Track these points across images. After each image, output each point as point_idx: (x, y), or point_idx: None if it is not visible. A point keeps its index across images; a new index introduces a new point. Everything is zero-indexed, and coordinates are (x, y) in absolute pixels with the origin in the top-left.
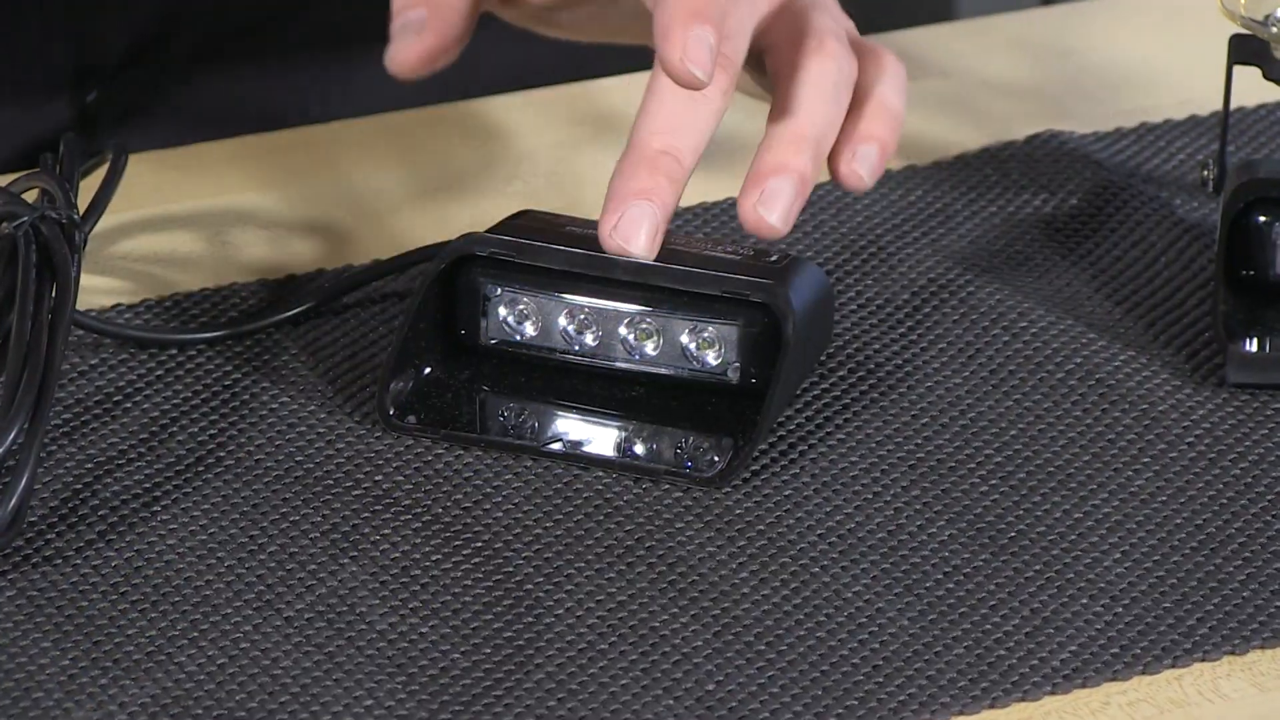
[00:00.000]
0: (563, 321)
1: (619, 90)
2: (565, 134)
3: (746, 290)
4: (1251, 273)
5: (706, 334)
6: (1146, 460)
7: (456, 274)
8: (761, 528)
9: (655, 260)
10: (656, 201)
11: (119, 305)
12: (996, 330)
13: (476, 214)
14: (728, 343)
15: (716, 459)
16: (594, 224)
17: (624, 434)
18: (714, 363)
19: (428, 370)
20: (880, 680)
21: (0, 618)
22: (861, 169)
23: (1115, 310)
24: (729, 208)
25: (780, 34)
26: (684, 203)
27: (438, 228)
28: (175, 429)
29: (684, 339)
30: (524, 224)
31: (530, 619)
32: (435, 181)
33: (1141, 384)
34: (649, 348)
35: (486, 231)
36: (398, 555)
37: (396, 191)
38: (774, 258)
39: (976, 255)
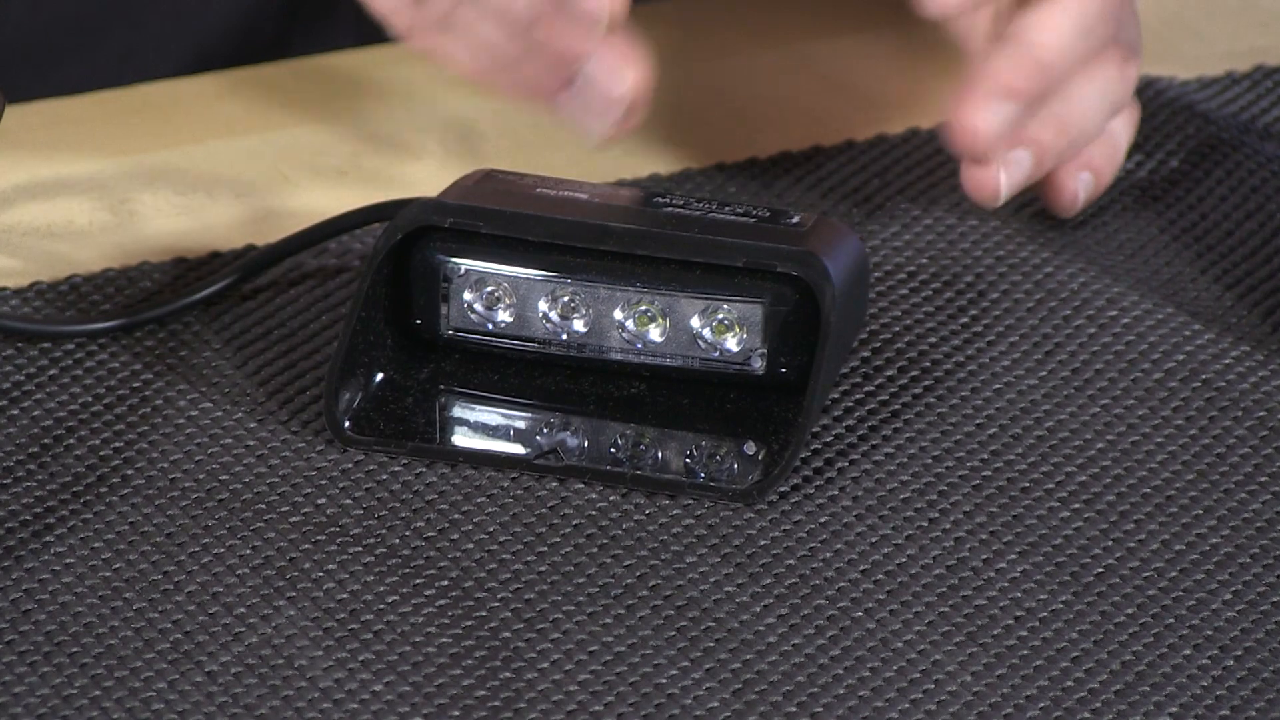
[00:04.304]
0: (544, 305)
1: None
2: None
3: (773, 259)
4: None
5: (724, 315)
6: (1264, 479)
7: (409, 251)
8: (791, 562)
9: (656, 227)
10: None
11: (3, 290)
12: (1079, 320)
13: (436, 178)
14: (750, 325)
15: (744, 468)
16: (571, 184)
17: (626, 441)
18: (734, 350)
19: (379, 370)
20: None
21: None
22: (1080, 188)
23: (1225, 296)
24: (747, 166)
25: None
26: (697, 164)
27: (390, 194)
28: (72, 440)
29: (695, 322)
30: (485, 187)
31: (508, 674)
32: (388, 138)
33: (1257, 386)
34: (653, 334)
35: (440, 197)
36: (345, 596)
37: (341, 149)
38: (796, 219)
39: (1054, 228)
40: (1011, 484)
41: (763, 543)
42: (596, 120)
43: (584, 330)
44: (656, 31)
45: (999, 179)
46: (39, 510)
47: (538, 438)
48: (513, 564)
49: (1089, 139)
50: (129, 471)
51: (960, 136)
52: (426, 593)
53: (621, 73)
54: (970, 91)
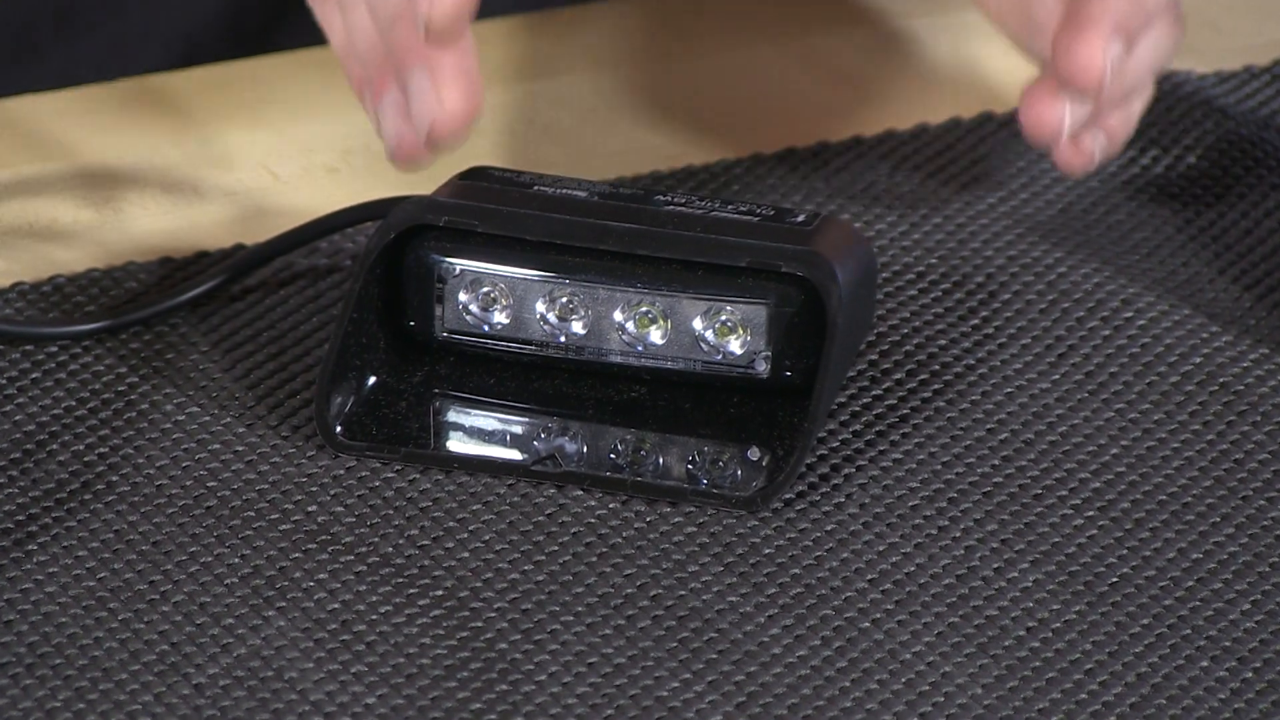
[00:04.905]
0: (541, 307)
1: (611, 17)
2: (540, 74)
3: (778, 259)
4: None
5: (727, 316)
6: None
7: (402, 251)
8: (797, 571)
9: (657, 226)
10: None
11: None
12: (1094, 322)
13: (430, 175)
14: (754, 327)
15: (748, 474)
16: (569, 182)
17: (626, 447)
18: (738, 353)
19: (371, 374)
20: None
21: None
22: (1096, 149)
23: (1244, 296)
24: (751, 163)
25: None
26: (699, 160)
27: (383, 192)
28: (55, 445)
29: (698, 324)
30: (480, 185)
31: (505, 686)
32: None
33: (1277, 390)
34: (654, 336)
35: (434, 195)
36: (336, 606)
37: (332, 145)
38: (801, 218)
39: (1068, 226)
40: (1023, 491)
41: (767, 551)
42: (400, 133)
43: (583, 332)
44: (659, 21)
45: (1064, 116)
46: (21, 518)
47: (535, 443)
48: (509, 573)
49: (1139, 95)
50: (114, 478)
51: (1078, 72)
52: (420, 603)
53: (444, 94)
54: (1086, 26)
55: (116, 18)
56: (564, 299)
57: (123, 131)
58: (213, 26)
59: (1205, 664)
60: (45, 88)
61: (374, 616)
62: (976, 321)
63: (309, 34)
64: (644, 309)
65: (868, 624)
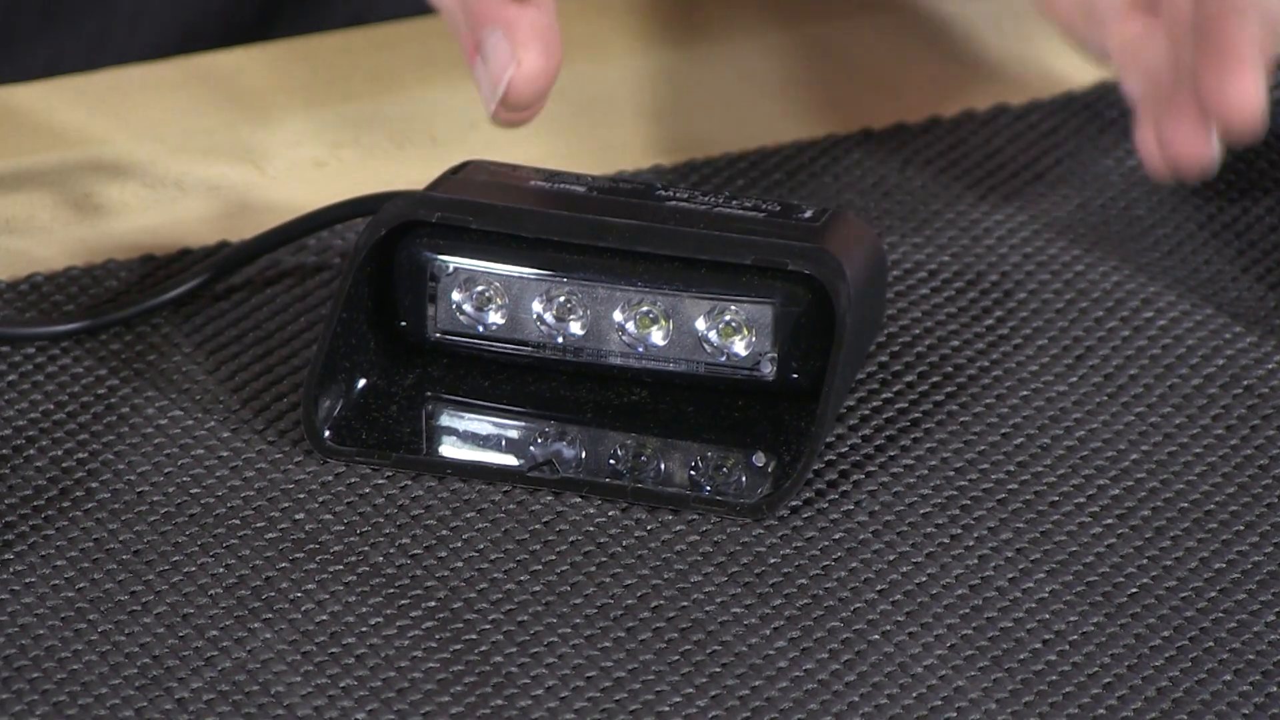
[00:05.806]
0: (538, 307)
1: (611, 5)
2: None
3: (784, 256)
4: None
5: (731, 316)
6: None
7: (393, 248)
8: (804, 581)
9: (658, 222)
10: None
11: None
12: (1113, 322)
13: (423, 170)
14: (760, 327)
15: (753, 481)
16: (567, 176)
17: (626, 452)
18: (742, 354)
19: (361, 376)
20: None
21: None
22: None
23: (1269, 296)
24: (758, 162)
25: None
26: (703, 154)
27: (374, 187)
28: (32, 450)
29: (701, 324)
30: (475, 179)
31: (500, 701)
32: (373, 125)
33: None
34: (655, 337)
35: (426, 190)
36: (325, 617)
37: (321, 138)
38: (809, 213)
39: (1085, 223)
40: (1039, 498)
41: (772, 561)
42: (487, 97)
43: (581, 333)
44: (660, 9)
45: (1214, 148)
46: None
47: (531, 448)
48: (505, 584)
49: None
50: (93, 484)
51: (1235, 113)
52: (412, 614)
53: (520, 54)
54: (1232, 60)
55: (105, 7)
56: (562, 298)
57: (102, 124)
58: (202, 16)
59: (1228, 678)
60: (29, 78)
61: (364, 628)
62: (991, 322)
63: (300, 25)
64: (645, 309)
65: (877, 636)
